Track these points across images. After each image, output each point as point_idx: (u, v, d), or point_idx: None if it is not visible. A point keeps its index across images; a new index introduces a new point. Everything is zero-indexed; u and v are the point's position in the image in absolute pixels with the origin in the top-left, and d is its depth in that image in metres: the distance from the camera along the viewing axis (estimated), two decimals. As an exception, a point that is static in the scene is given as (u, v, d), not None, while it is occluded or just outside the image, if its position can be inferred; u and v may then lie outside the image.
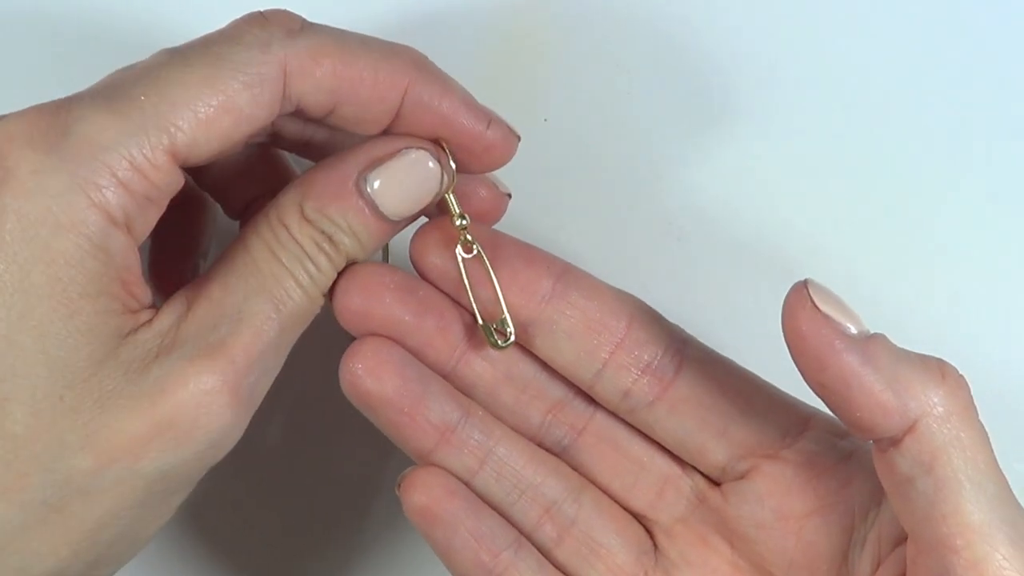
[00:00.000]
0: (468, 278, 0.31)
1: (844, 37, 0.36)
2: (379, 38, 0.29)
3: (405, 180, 0.29)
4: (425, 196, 0.30)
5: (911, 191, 0.36)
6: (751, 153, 0.36)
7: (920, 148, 0.36)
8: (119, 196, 0.26)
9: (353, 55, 0.28)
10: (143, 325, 0.27)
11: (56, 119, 0.26)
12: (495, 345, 0.31)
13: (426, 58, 0.29)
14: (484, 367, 0.32)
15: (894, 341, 0.28)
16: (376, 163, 0.29)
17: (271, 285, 0.28)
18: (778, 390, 0.32)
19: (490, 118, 0.30)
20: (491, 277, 0.31)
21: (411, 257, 0.31)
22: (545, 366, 0.32)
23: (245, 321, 0.28)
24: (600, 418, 0.33)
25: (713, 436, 0.31)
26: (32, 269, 0.25)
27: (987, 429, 0.34)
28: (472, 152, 0.30)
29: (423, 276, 0.31)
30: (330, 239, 0.29)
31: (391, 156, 0.29)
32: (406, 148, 0.29)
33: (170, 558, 0.40)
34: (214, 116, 0.26)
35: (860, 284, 0.36)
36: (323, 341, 0.31)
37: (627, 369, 0.31)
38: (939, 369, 0.27)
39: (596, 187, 0.37)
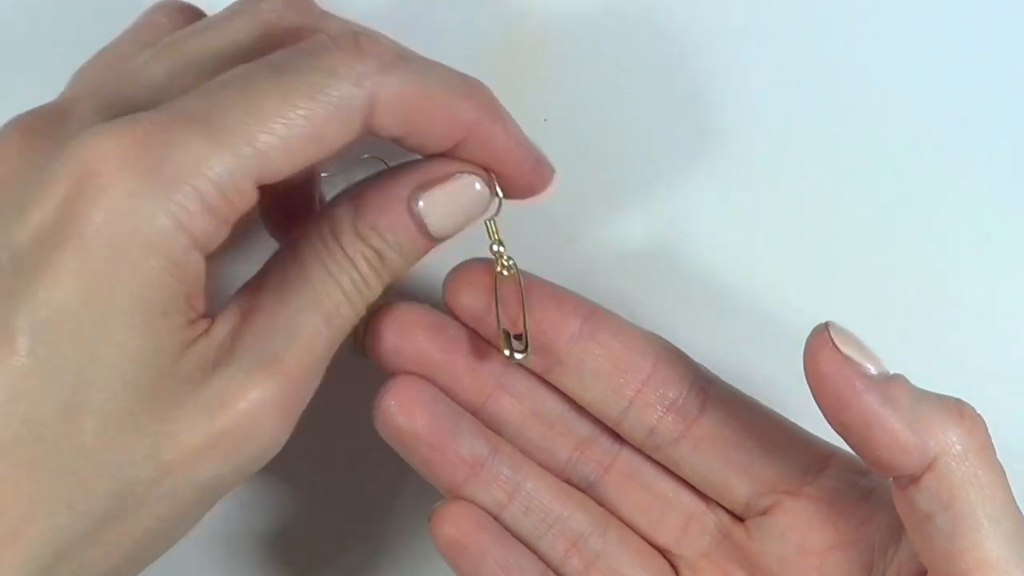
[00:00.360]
0: (499, 295, 0.32)
1: (845, 37, 0.36)
2: (453, 69, 0.29)
3: (455, 203, 0.30)
4: (470, 219, 0.31)
5: (913, 189, 0.36)
6: (751, 153, 0.36)
7: (922, 148, 0.36)
8: (205, 221, 0.26)
9: (434, 94, 0.28)
10: (200, 336, 0.27)
11: (151, 140, 0.25)
12: (510, 356, 0.31)
13: (494, 96, 0.30)
14: (512, 404, 0.33)
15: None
16: (429, 185, 0.30)
17: (323, 300, 0.29)
18: (799, 428, 0.32)
19: (538, 158, 0.31)
20: (521, 298, 0.32)
21: (444, 295, 0.32)
22: (572, 404, 0.33)
23: (298, 336, 0.28)
24: (626, 455, 0.33)
25: (736, 473, 0.32)
26: (119, 288, 0.25)
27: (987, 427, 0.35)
28: (515, 185, 0.31)
29: (454, 314, 0.32)
30: (380, 256, 0.29)
31: (444, 179, 0.30)
32: (459, 172, 0.30)
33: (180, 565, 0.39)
34: (301, 147, 0.27)
35: (860, 284, 0.36)
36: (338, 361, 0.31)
37: (653, 407, 0.32)
38: (957, 409, 0.28)
39: (596, 187, 0.37)
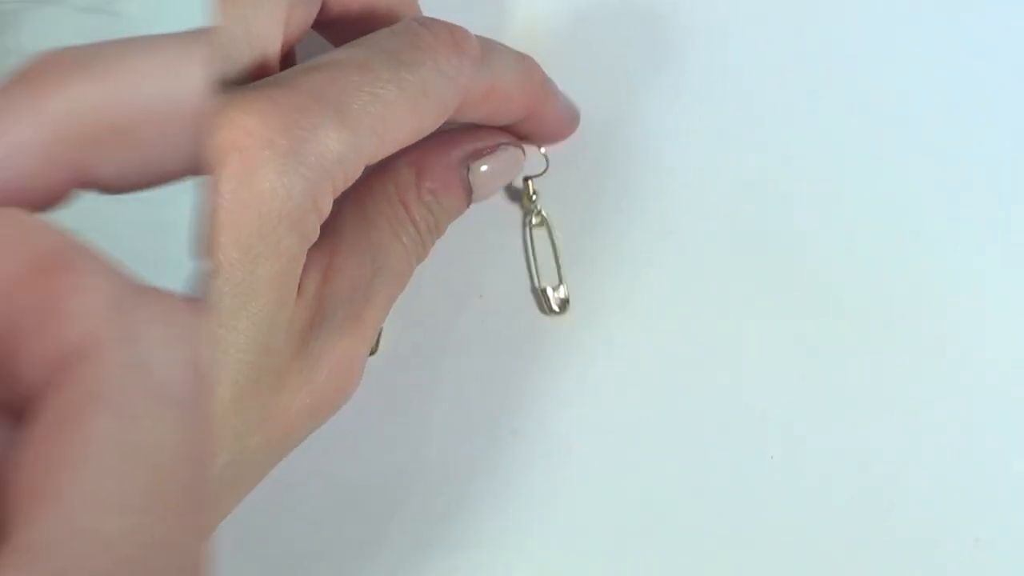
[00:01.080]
0: (533, 249, 0.35)
1: (847, 36, 0.37)
2: (512, 50, 0.32)
3: (496, 173, 0.33)
4: (502, 186, 0.34)
5: (916, 189, 0.36)
6: (752, 152, 0.36)
7: (925, 147, 0.36)
8: (329, 200, 0.27)
9: (509, 87, 0.31)
10: (297, 297, 0.28)
11: (290, 121, 0.26)
12: (548, 310, 0.34)
13: (544, 75, 0.33)
14: None
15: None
16: (479, 154, 0.33)
17: (392, 263, 0.30)
18: None
19: (574, 115, 0.35)
20: (554, 248, 0.35)
21: None
22: None
23: (374, 296, 0.30)
24: None
25: None
26: (262, 262, 0.26)
27: (987, 427, 0.35)
28: (549, 140, 0.36)
29: None
30: (435, 218, 0.31)
31: (493, 150, 0.33)
32: (504, 144, 0.33)
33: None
34: (406, 135, 0.29)
35: (862, 283, 0.36)
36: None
37: None
38: None
39: (596, 187, 0.37)
